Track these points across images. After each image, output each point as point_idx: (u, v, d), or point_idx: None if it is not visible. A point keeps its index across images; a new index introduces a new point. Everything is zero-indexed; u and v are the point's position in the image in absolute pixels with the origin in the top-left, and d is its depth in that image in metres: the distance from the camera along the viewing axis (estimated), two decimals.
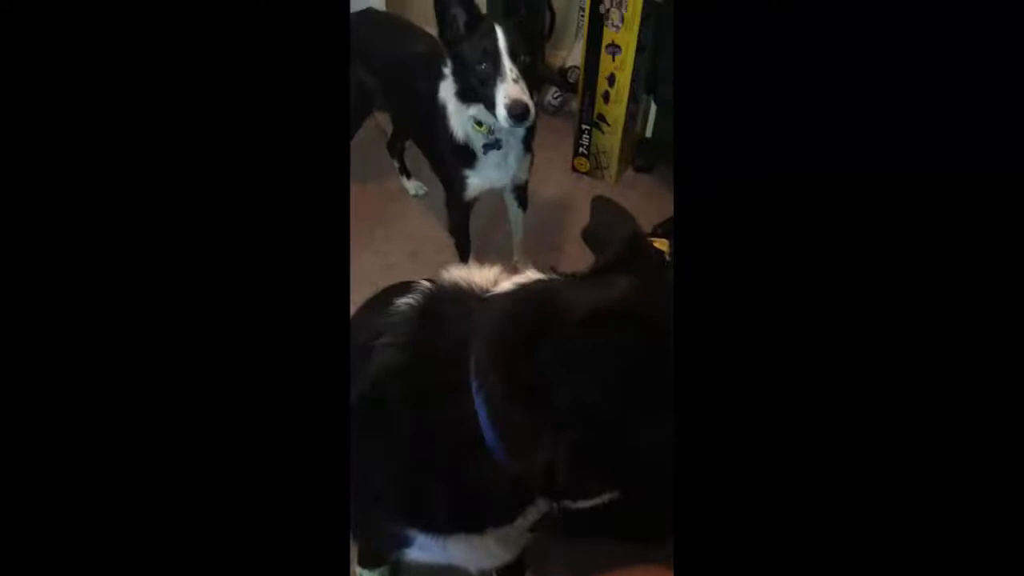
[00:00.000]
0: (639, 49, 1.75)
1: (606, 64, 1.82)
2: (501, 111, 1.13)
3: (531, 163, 1.46)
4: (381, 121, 1.86)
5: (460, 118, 1.28)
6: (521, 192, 1.55)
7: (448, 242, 1.58)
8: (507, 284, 0.59)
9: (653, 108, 1.99)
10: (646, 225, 1.96)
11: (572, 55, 2.20)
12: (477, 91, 1.18)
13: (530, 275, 0.60)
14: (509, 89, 1.12)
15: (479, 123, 1.26)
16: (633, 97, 1.87)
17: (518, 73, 1.13)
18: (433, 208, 1.88)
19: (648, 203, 1.95)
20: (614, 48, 1.78)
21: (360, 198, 1.87)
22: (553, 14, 2.38)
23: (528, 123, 1.18)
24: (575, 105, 2.11)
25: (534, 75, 1.22)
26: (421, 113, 1.37)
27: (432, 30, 1.49)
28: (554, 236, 1.83)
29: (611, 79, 1.84)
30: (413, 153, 1.86)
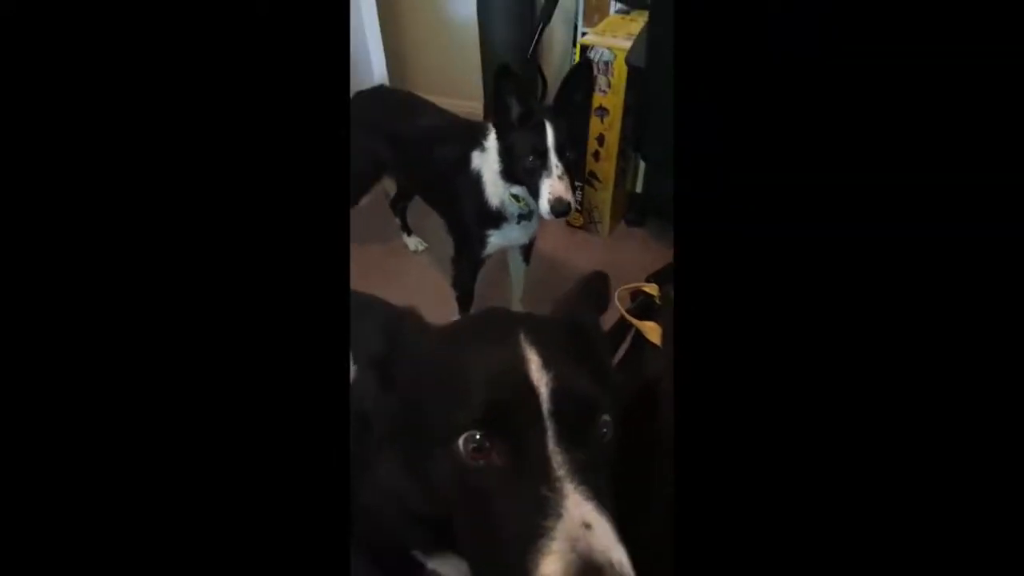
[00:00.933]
0: (625, 111, 1.86)
1: (595, 126, 1.92)
2: (544, 205, 1.24)
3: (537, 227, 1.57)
4: (386, 185, 1.95)
5: (497, 190, 1.37)
6: (527, 249, 1.63)
7: (448, 296, 1.63)
8: None
9: (642, 165, 2.09)
10: (640, 276, 2.02)
11: None
12: (522, 179, 1.28)
13: None
14: (554, 186, 1.23)
15: (517, 198, 1.36)
16: (622, 155, 1.97)
17: (563, 170, 1.24)
18: (432, 264, 1.93)
19: (642, 255, 2.01)
20: (602, 111, 1.89)
21: (360, 256, 1.93)
22: (545, 80, 2.53)
23: (567, 216, 1.29)
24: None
25: (576, 171, 1.32)
26: (443, 179, 1.47)
27: (437, 101, 1.62)
28: (551, 288, 1.88)
29: (600, 139, 1.94)
30: (412, 212, 1.94)
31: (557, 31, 2.42)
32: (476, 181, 1.40)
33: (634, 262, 1.96)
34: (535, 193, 1.26)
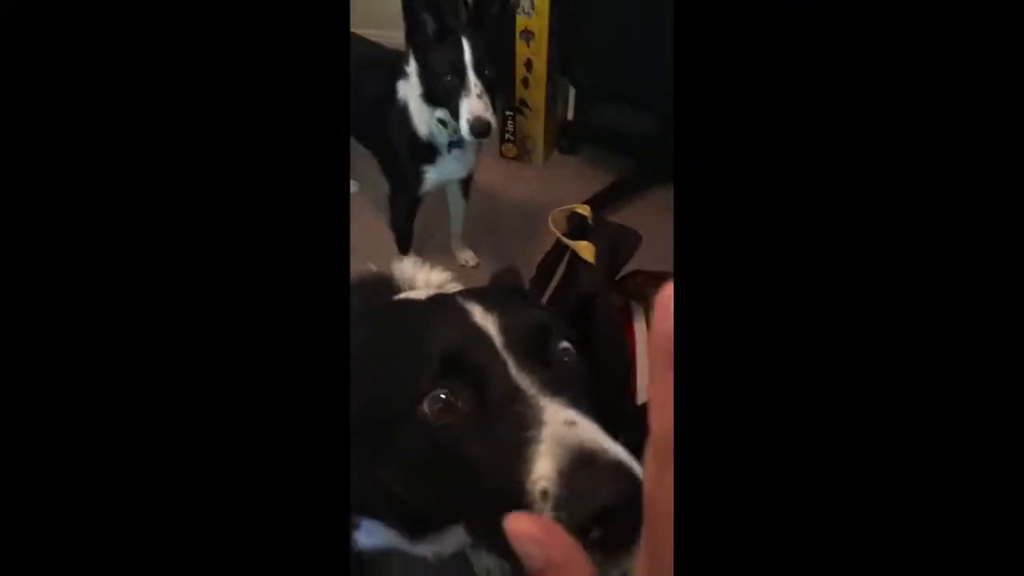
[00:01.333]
0: (551, 33, 1.82)
1: (522, 50, 1.87)
2: (464, 125, 1.19)
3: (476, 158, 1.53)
4: None
5: (424, 117, 1.31)
6: (466, 184, 1.60)
7: (387, 237, 1.61)
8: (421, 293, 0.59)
9: (572, 91, 2.07)
10: (576, 201, 2.04)
11: None
12: (442, 99, 1.23)
13: (449, 286, 0.62)
14: (473, 105, 1.18)
15: (444, 123, 1.29)
16: (551, 81, 1.94)
17: (482, 88, 1.19)
18: (367, 204, 1.89)
19: (576, 182, 2.03)
20: (528, 34, 1.84)
21: None
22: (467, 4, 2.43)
23: (487, 137, 1.24)
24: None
25: (498, 89, 1.27)
26: (371, 112, 1.40)
27: (366, 34, 1.52)
28: (491, 222, 1.88)
29: (528, 65, 1.90)
30: None
31: None
32: (403, 112, 1.34)
33: (570, 190, 1.97)
34: (455, 114, 1.21)
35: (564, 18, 1.81)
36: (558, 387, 0.37)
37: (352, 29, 1.51)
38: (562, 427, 0.34)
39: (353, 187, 1.96)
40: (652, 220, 1.29)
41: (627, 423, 0.65)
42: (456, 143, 1.35)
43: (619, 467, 0.32)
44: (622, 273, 1.05)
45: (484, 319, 0.41)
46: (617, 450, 0.33)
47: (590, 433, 0.33)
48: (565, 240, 1.04)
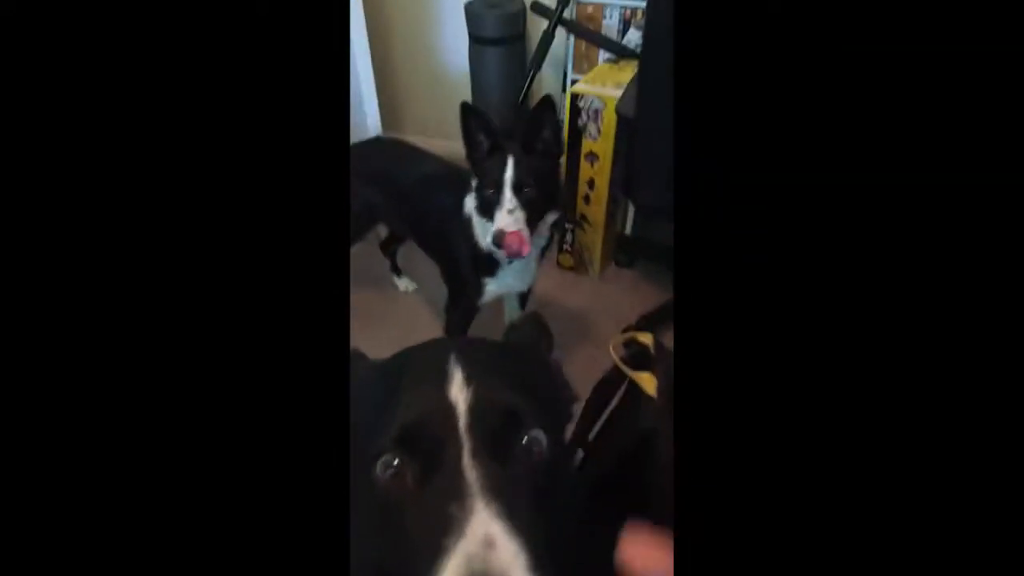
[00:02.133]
0: (615, 157, 1.90)
1: (585, 170, 1.96)
2: (488, 236, 1.22)
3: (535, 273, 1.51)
4: (379, 232, 1.95)
5: (484, 230, 1.33)
6: (524, 296, 1.61)
7: (435, 332, 1.63)
8: None
9: (631, 209, 2.13)
10: (631, 316, 2.04)
11: None
12: (486, 212, 1.27)
13: None
14: (501, 219, 1.20)
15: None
16: (612, 199, 2.00)
17: (516, 204, 1.20)
18: (423, 305, 1.93)
19: (631, 296, 2.03)
20: (592, 156, 1.93)
21: (352, 300, 1.92)
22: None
23: (517, 255, 1.24)
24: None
25: (537, 209, 1.26)
26: (438, 225, 1.47)
27: (430, 144, 1.65)
28: None
29: (591, 183, 1.98)
30: (401, 253, 1.95)
31: (547, 78, 2.49)
32: (467, 225, 1.39)
33: (624, 303, 1.98)
34: (490, 226, 1.24)
35: (627, 144, 1.89)
36: (503, 489, 0.36)
37: (419, 140, 1.66)
38: (478, 546, 0.33)
39: (411, 286, 2.02)
40: None
41: None
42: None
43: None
44: None
45: (458, 392, 0.39)
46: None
47: (502, 562, 0.32)
48: (626, 369, 1.01)
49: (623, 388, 1.02)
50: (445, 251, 1.51)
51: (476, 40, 2.26)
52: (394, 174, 1.57)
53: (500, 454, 0.38)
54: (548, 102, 1.27)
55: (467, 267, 1.44)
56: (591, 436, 1.05)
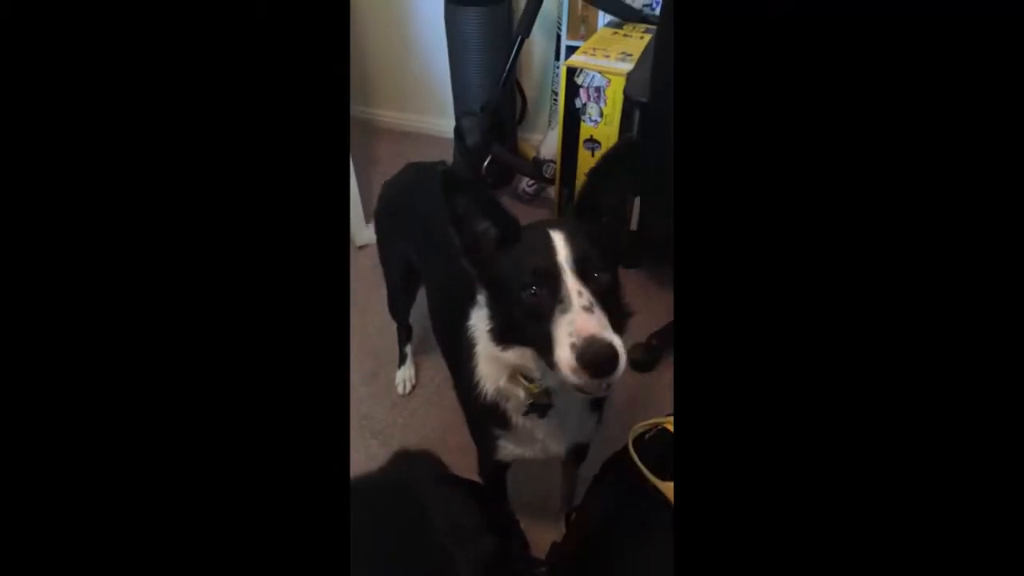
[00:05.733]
0: None
1: (584, 159, 1.66)
2: (565, 359, 0.65)
3: (599, 421, 0.95)
4: None
5: (492, 368, 0.83)
6: (582, 451, 1.05)
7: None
8: None
9: (636, 202, 1.83)
10: (639, 321, 1.78)
11: (546, 145, 2.05)
12: (522, 331, 0.73)
13: None
14: (579, 322, 0.65)
15: (528, 379, 0.80)
16: None
17: (591, 299, 0.68)
18: None
19: (639, 302, 1.75)
20: (593, 143, 1.63)
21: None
22: (524, 98, 2.25)
23: (615, 377, 0.66)
24: (552, 192, 1.96)
25: (615, 301, 0.74)
26: (448, 328, 0.98)
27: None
28: None
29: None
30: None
31: (538, 45, 2.14)
32: (469, 355, 0.87)
33: (631, 304, 1.71)
34: (547, 349, 0.68)
35: (638, 130, 1.59)
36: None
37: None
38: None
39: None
40: None
41: None
42: (537, 408, 0.86)
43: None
44: None
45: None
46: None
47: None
48: (651, 477, 0.76)
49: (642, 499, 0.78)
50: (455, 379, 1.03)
51: (453, 0, 1.90)
52: (428, 228, 1.08)
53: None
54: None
55: (472, 415, 0.96)
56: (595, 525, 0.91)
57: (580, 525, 0.97)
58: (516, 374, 0.80)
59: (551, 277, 0.68)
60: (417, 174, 1.21)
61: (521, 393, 0.81)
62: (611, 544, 0.81)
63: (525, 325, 0.71)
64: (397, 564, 0.65)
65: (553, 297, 0.68)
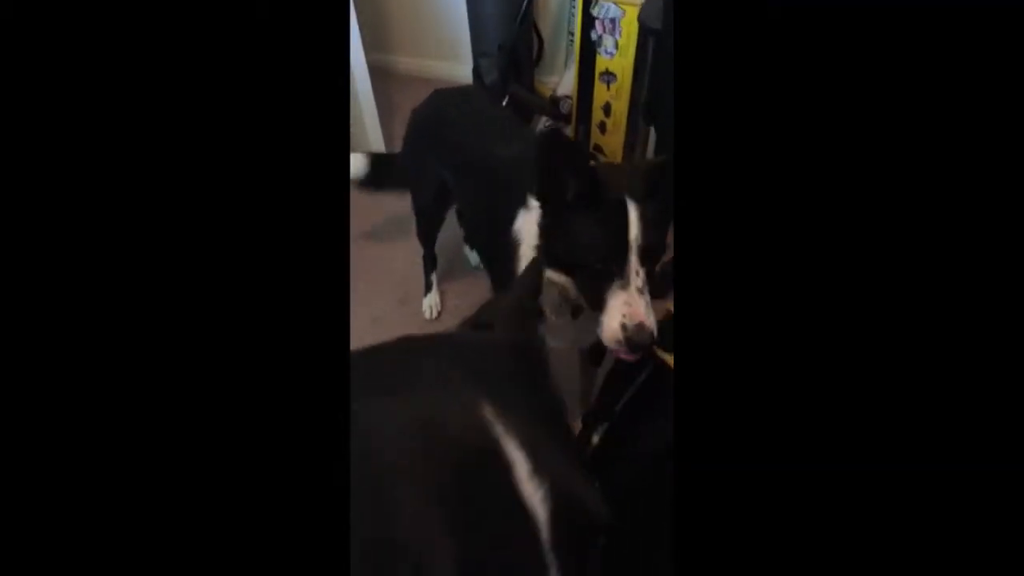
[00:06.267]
0: (636, 76, 1.64)
1: (600, 93, 1.70)
2: (612, 332, 0.79)
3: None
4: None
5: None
6: (599, 351, 1.16)
7: None
8: None
9: (652, 136, 1.88)
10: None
11: (563, 83, 2.09)
12: (580, 283, 0.85)
13: None
14: (634, 306, 0.78)
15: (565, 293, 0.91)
16: (631, 127, 1.76)
17: (644, 280, 0.79)
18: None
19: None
20: (609, 76, 1.67)
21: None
22: (541, 39, 2.28)
23: (640, 355, 0.83)
24: (569, 133, 2.01)
25: (660, 287, 0.85)
26: (491, 233, 1.05)
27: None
28: None
29: (607, 109, 1.73)
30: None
31: None
32: (512, 255, 0.95)
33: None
34: (597, 305, 0.82)
35: (652, 59, 1.62)
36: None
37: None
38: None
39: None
40: None
41: None
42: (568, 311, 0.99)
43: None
44: None
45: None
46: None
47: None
48: (655, 349, 0.87)
49: (649, 369, 0.91)
50: (491, 263, 1.12)
51: None
52: (465, 147, 1.15)
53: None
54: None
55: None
56: (618, 407, 1.04)
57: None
58: (556, 286, 0.89)
59: (620, 251, 0.78)
60: (447, 98, 1.27)
61: (558, 299, 0.90)
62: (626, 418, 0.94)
63: (583, 281, 0.84)
64: None
65: (618, 269, 0.79)
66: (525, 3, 1.92)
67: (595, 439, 1.07)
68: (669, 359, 0.88)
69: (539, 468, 0.31)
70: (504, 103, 2.03)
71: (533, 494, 0.31)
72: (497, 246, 1.00)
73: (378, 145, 1.99)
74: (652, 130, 1.84)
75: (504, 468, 0.31)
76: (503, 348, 0.42)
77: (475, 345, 0.42)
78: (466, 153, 1.13)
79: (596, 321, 0.93)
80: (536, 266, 0.67)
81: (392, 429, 0.33)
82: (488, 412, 0.32)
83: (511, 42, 1.96)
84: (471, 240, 1.24)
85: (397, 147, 1.46)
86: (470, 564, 0.29)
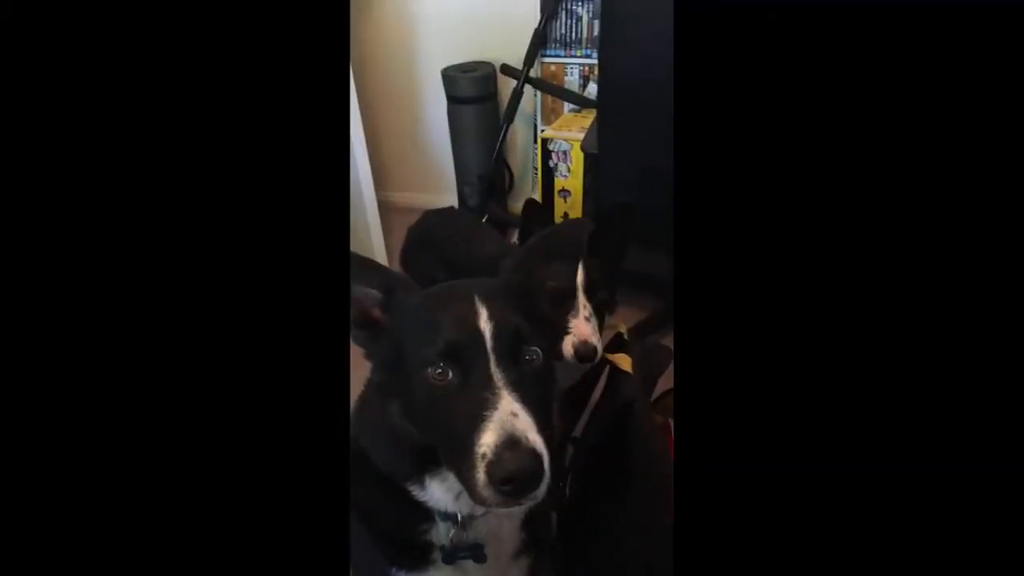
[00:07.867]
0: (585, 192, 2.13)
1: (559, 206, 2.18)
2: (568, 348, 1.08)
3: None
4: None
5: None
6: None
7: None
8: None
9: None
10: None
11: None
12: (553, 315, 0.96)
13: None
14: (580, 327, 1.06)
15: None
16: None
17: (591, 311, 1.11)
18: None
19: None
20: (565, 192, 2.16)
21: None
22: (512, 173, 2.82)
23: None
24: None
25: (603, 317, 1.16)
26: None
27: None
28: None
29: (564, 217, 2.19)
30: None
31: (520, 129, 2.74)
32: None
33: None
34: (561, 330, 1.07)
35: (594, 179, 2.11)
36: (519, 384, 0.54)
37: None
38: (508, 416, 0.50)
39: None
40: None
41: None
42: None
43: (532, 452, 0.49)
44: (657, 393, 1.18)
45: (486, 323, 0.56)
46: (536, 440, 0.50)
47: (523, 425, 0.50)
48: (606, 355, 1.18)
49: (605, 372, 1.18)
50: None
51: (453, 100, 2.52)
52: (456, 249, 1.46)
53: (512, 362, 0.56)
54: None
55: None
56: (579, 432, 1.18)
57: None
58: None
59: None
60: (436, 215, 1.65)
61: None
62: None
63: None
64: None
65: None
66: (499, 143, 2.47)
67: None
68: (620, 359, 1.11)
69: (491, 314, 0.55)
70: (484, 220, 2.51)
71: (485, 326, 0.54)
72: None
73: (382, 259, 2.40)
74: None
75: (474, 313, 0.55)
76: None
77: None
78: (455, 256, 1.47)
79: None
80: None
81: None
82: (476, 296, 0.57)
83: (489, 173, 2.48)
84: None
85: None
86: (451, 345, 0.54)
